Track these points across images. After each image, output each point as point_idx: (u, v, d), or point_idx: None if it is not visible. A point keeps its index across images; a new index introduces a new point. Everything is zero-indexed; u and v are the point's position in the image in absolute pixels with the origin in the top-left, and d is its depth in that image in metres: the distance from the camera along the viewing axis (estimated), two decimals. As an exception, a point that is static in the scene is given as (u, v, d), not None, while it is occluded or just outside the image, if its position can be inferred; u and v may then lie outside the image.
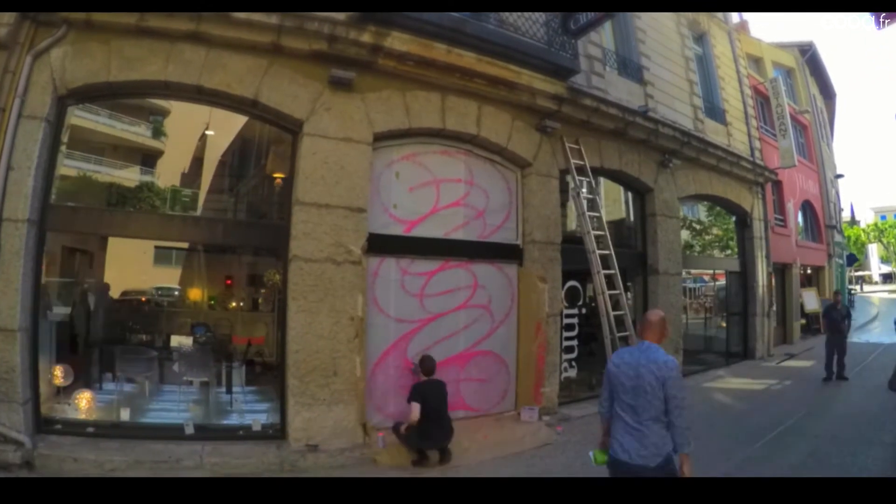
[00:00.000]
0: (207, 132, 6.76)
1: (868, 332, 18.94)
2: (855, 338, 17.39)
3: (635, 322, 8.67)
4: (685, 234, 11.23)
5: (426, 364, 5.91)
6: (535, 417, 6.97)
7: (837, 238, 22.22)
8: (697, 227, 12.28)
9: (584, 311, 8.48)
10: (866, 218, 58.19)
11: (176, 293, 8.35)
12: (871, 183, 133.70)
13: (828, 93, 23.23)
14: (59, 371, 5.57)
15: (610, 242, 7.49)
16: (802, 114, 18.59)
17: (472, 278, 7.12)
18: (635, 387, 3.05)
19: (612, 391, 3.21)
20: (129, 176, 6.73)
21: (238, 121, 6.47)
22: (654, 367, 3.03)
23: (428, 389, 5.74)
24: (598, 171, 8.34)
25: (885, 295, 42.40)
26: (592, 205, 7.69)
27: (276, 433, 5.73)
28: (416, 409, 5.53)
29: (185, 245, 7.81)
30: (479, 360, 7.10)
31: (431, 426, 5.59)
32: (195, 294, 8.16)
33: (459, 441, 6.12)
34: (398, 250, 6.61)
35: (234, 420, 6.08)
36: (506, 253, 7.44)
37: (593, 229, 7.29)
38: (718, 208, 12.57)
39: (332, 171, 5.92)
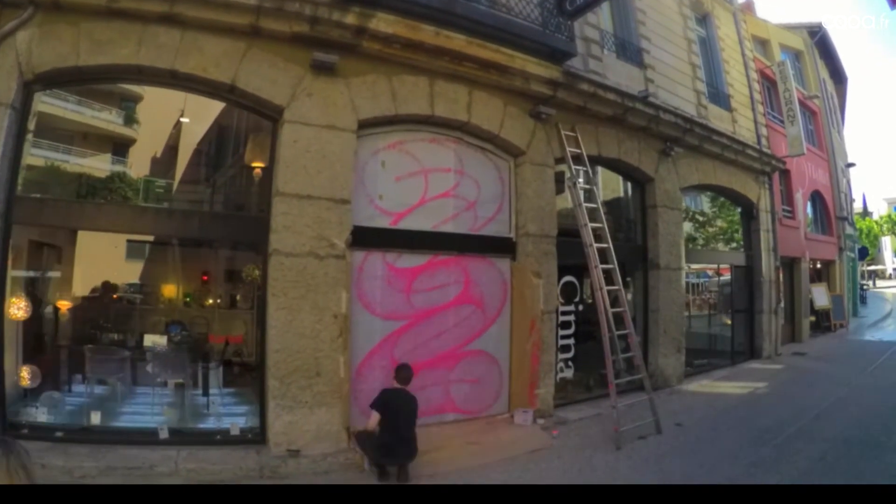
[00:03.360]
0: (182, 119, 6.75)
1: (881, 330, 19.13)
2: (868, 336, 17.62)
3: (635, 319, 8.76)
4: (688, 227, 11.28)
5: (402, 372, 5.61)
6: (529, 420, 7.02)
7: (849, 230, 22.39)
8: (700, 218, 12.34)
9: (581, 307, 8.55)
10: (879, 209, 58.64)
11: (149, 289, 8.32)
12: (884, 172, 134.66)
13: (838, 77, 23.33)
14: (25, 372, 5.55)
15: (608, 235, 7.52)
16: (812, 99, 18.68)
17: (462, 273, 7.16)
18: None
19: None
20: (100, 165, 6.69)
21: (215, 107, 6.47)
22: None
23: (395, 399, 5.38)
24: (595, 160, 8.37)
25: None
26: (590, 195, 7.70)
27: (256, 437, 5.75)
28: (373, 418, 5.26)
29: (158, 239, 7.77)
30: (470, 359, 7.14)
31: (394, 442, 5.20)
32: (170, 291, 8.13)
33: (450, 445, 6.18)
34: (384, 244, 6.62)
35: (211, 424, 6.09)
36: (498, 246, 7.49)
37: (590, 221, 7.32)
38: (723, 199, 12.66)
39: (315, 161, 5.92)
